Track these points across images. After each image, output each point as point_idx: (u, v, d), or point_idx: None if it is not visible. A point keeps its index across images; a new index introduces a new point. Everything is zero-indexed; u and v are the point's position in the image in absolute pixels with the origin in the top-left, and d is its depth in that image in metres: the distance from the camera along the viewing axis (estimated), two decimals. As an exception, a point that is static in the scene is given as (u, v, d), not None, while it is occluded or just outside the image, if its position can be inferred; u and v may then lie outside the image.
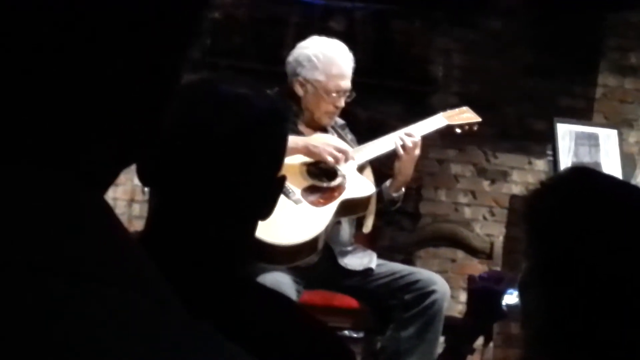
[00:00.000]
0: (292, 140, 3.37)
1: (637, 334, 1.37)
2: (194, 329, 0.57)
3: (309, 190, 3.41)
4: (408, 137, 3.54)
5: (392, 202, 3.64)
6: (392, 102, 5.66)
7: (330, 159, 3.44)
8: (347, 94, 3.50)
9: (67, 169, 0.60)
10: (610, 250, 1.38)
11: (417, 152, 3.56)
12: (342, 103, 3.51)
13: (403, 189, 3.64)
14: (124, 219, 5.03)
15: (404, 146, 3.53)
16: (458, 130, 3.79)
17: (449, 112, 3.82)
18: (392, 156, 3.58)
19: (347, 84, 3.49)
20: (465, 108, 3.88)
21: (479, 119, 3.84)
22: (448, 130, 3.77)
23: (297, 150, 3.41)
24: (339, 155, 3.46)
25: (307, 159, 3.46)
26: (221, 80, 1.45)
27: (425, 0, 5.59)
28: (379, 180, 3.63)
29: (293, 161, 3.37)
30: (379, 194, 3.58)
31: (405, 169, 3.57)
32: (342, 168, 3.50)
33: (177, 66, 0.68)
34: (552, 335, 1.43)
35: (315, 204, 3.37)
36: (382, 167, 3.71)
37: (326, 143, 3.47)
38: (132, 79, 0.63)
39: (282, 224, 3.13)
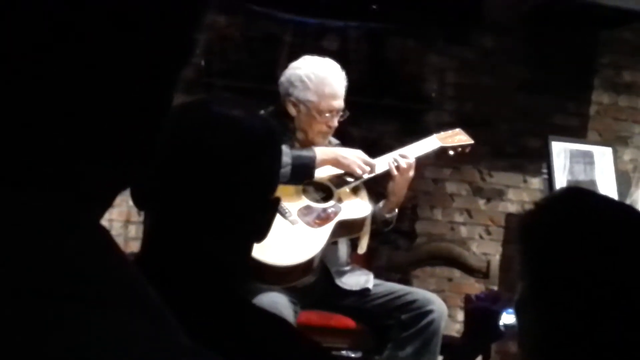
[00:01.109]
0: (322, 151, 3.40)
1: (634, 352, 1.37)
2: (191, 351, 0.57)
3: (305, 210, 3.40)
4: (402, 158, 3.55)
5: (385, 223, 3.64)
6: (387, 120, 5.67)
7: (358, 172, 3.48)
8: (340, 113, 3.51)
9: (63, 191, 0.60)
10: (605, 270, 1.38)
11: (411, 173, 3.56)
12: (335, 123, 3.51)
13: (396, 210, 3.64)
14: (120, 240, 5.02)
15: (398, 167, 3.53)
16: (451, 152, 3.80)
17: (443, 134, 3.82)
18: (386, 177, 3.58)
19: (339, 103, 3.49)
20: (458, 130, 3.89)
21: (471, 142, 3.84)
22: (441, 152, 3.78)
23: (327, 162, 3.43)
24: (367, 168, 3.49)
25: None
26: (214, 102, 1.45)
27: (419, 19, 5.60)
28: (373, 200, 3.64)
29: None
30: (372, 215, 3.57)
31: (399, 190, 3.57)
32: (339, 188, 3.50)
33: (171, 88, 0.68)
34: (549, 354, 1.42)
35: (311, 224, 3.36)
36: (376, 187, 3.71)
37: (356, 155, 3.50)
38: (127, 101, 0.63)
39: (279, 245, 3.12)
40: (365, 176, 3.53)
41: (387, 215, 3.61)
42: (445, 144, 3.76)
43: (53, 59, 0.59)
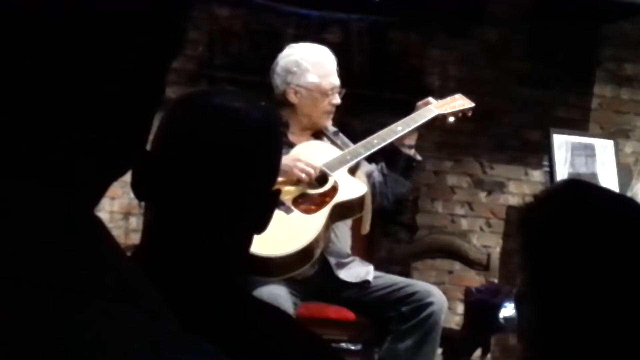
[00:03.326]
0: None
1: (632, 344, 1.37)
2: (188, 342, 0.57)
3: (300, 198, 3.38)
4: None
5: (408, 159, 3.64)
6: (388, 113, 5.64)
7: (302, 176, 3.39)
8: (339, 90, 3.52)
9: (55, 183, 0.60)
10: (604, 262, 1.39)
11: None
12: (338, 100, 3.53)
13: (418, 156, 3.66)
14: (120, 232, 5.02)
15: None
16: (451, 119, 3.72)
17: (440, 102, 3.74)
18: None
19: (337, 80, 3.53)
20: (457, 95, 3.82)
21: (472, 105, 3.77)
22: (440, 119, 3.69)
23: None
24: (309, 170, 3.40)
25: None
26: (215, 93, 1.45)
27: (421, 12, 5.60)
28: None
29: None
30: (396, 151, 3.60)
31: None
32: (334, 171, 3.47)
33: (163, 79, 0.68)
34: (548, 347, 1.43)
35: (306, 211, 3.34)
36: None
37: (294, 160, 3.41)
38: (118, 92, 0.63)
39: (274, 235, 3.08)
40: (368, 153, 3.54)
41: (409, 151, 3.63)
42: (442, 112, 3.69)
43: (44, 55, 0.59)
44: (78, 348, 0.51)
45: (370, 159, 3.64)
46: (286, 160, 3.38)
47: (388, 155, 3.61)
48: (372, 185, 3.63)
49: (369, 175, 3.64)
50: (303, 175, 3.40)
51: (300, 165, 3.40)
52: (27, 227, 0.56)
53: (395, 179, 3.63)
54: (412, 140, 3.63)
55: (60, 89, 0.60)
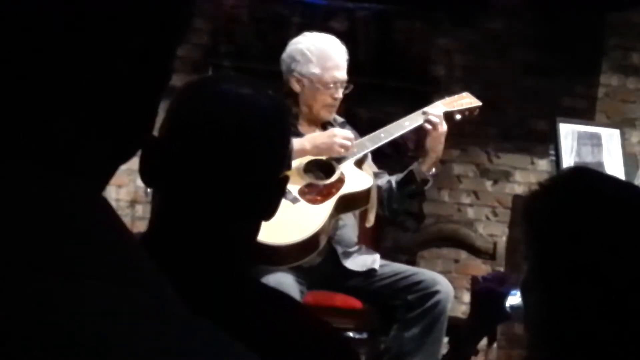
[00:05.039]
0: (298, 142, 3.35)
1: (637, 334, 1.37)
2: (197, 327, 0.57)
3: (306, 188, 3.39)
4: (431, 114, 3.56)
5: (424, 181, 3.62)
6: (394, 102, 5.66)
7: (341, 150, 3.45)
8: (344, 85, 3.51)
9: (62, 166, 0.60)
10: (609, 250, 1.38)
11: (444, 127, 3.56)
12: (340, 94, 3.51)
13: (434, 169, 3.63)
14: (126, 220, 5.03)
15: (430, 122, 3.54)
16: (458, 117, 3.72)
17: (448, 99, 3.77)
18: (417, 138, 3.58)
19: (342, 74, 3.50)
20: (465, 94, 3.83)
21: (479, 103, 3.78)
22: (447, 116, 3.67)
23: (305, 152, 3.41)
24: (347, 143, 3.46)
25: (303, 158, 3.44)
26: (223, 79, 1.45)
27: (427, 1, 5.59)
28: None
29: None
30: (412, 174, 3.58)
31: (436, 145, 3.57)
32: (340, 163, 3.48)
33: (168, 63, 0.68)
34: (554, 336, 1.43)
35: (312, 201, 3.35)
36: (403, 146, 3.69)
37: (331, 135, 3.47)
38: (122, 75, 0.63)
39: (279, 224, 3.09)
40: (384, 141, 3.53)
41: (427, 173, 3.60)
42: (450, 109, 3.69)
43: (48, 37, 0.60)
44: (85, 334, 0.51)
45: (383, 164, 3.65)
46: (322, 138, 3.46)
47: (403, 175, 3.62)
48: (380, 194, 3.66)
49: (379, 184, 3.64)
50: (342, 150, 3.46)
51: (338, 140, 3.44)
52: (27, 208, 0.56)
53: (404, 200, 3.66)
54: (432, 167, 3.62)
55: (65, 71, 0.60)
